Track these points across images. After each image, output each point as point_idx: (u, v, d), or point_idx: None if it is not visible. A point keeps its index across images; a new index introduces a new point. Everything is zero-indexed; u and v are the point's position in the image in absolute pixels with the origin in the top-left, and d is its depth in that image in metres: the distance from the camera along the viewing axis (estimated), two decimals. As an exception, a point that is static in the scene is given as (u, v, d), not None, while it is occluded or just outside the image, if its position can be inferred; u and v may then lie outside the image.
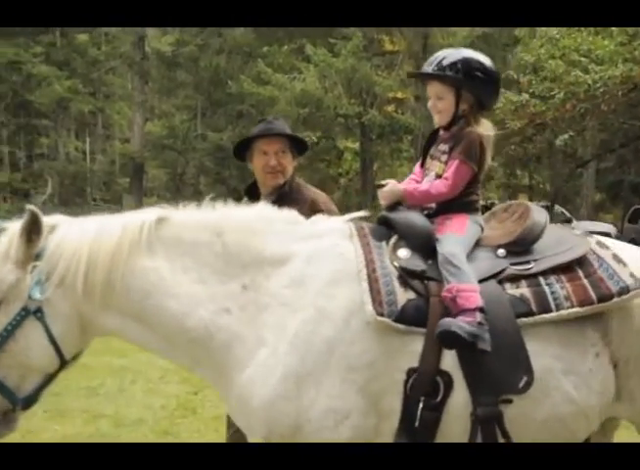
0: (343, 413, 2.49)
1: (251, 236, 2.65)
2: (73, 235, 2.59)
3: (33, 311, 2.55)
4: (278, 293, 2.57)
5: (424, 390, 2.50)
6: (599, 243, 2.82)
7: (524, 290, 2.64)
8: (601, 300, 2.63)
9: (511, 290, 2.65)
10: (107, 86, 32.35)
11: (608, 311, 2.65)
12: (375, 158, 30.63)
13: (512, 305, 2.61)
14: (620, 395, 2.70)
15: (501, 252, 2.75)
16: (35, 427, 5.63)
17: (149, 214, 2.65)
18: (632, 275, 2.68)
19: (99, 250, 2.56)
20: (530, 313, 2.60)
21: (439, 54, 2.91)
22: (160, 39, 28.50)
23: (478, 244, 2.80)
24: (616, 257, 2.74)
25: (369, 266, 2.59)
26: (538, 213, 2.87)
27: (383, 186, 2.93)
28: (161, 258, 2.60)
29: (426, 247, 2.69)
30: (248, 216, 2.71)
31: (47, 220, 2.60)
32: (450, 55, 2.87)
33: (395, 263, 2.63)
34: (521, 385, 2.55)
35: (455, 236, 2.75)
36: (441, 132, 2.97)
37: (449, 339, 2.48)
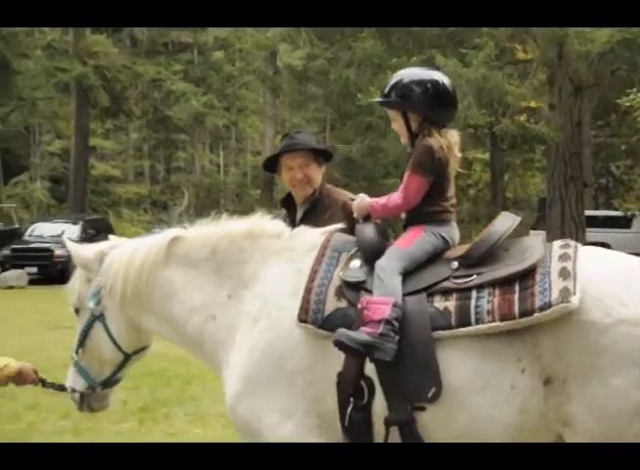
0: (287, 413, 2.78)
1: (237, 253, 3.07)
2: (117, 255, 3.21)
3: (98, 316, 3.24)
4: (248, 303, 2.94)
5: (348, 392, 2.70)
6: (563, 255, 2.66)
7: (449, 303, 2.69)
8: (522, 315, 2.56)
9: (437, 303, 2.71)
10: (240, 101, 33.48)
11: (538, 326, 2.54)
12: (505, 168, 30.06)
13: (431, 317, 2.68)
14: (560, 416, 2.53)
15: (454, 264, 2.80)
16: (178, 429, 5.92)
17: (169, 234, 3.18)
18: (564, 290, 2.53)
19: (131, 266, 3.14)
20: (448, 327, 2.65)
21: (390, 78, 3.06)
22: (290, 54, 29.26)
23: (439, 256, 2.87)
24: (564, 271, 2.59)
25: (310, 278, 2.86)
26: (501, 223, 2.86)
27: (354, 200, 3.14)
28: (175, 271, 3.13)
29: (373, 259, 2.84)
30: (238, 234, 3.11)
31: (108, 243, 3.36)
32: (393, 78, 3.02)
33: (340, 274, 2.84)
34: (429, 395, 2.63)
35: (395, 249, 2.88)
36: (409, 149, 3.09)
37: (340, 347, 2.67)
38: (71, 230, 21.44)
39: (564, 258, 2.64)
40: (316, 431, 2.78)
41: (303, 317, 2.77)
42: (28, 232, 21.97)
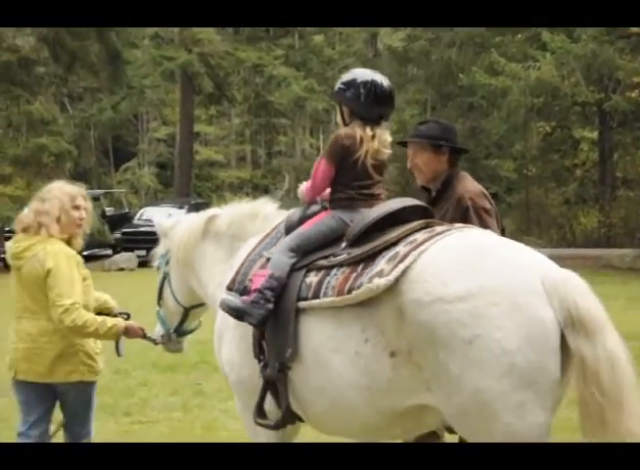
0: (232, 363, 3.37)
1: (240, 230, 3.68)
2: (180, 227, 3.92)
3: (166, 274, 3.98)
4: (228, 272, 3.48)
5: (256, 351, 3.22)
6: (413, 240, 2.88)
7: (315, 278, 3.07)
8: (348, 292, 2.89)
9: (309, 278, 3.10)
10: (340, 84, 33.49)
11: (382, 303, 2.80)
12: (615, 147, 28.83)
13: (299, 290, 3.08)
14: (421, 382, 2.75)
15: (343, 244, 3.13)
16: (215, 425, 5.80)
17: (207, 213, 3.85)
18: (379, 272, 2.81)
19: (182, 237, 3.82)
20: (305, 299, 3.06)
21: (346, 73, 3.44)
22: (391, 36, 28.99)
23: (342, 237, 3.17)
24: (396, 254, 2.83)
25: (248, 254, 3.42)
26: (381, 207, 3.14)
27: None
28: (207, 244, 3.76)
29: None
30: (245, 215, 3.71)
31: (181, 217, 4.12)
32: (348, 74, 3.40)
33: (267, 251, 3.36)
34: (287, 355, 3.07)
35: (297, 231, 3.29)
36: None
37: (222, 310, 3.28)
38: (178, 214, 22.01)
39: (412, 242, 2.87)
40: (248, 380, 3.29)
41: (230, 286, 3.35)
42: (138, 216, 22.74)
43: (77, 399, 3.88)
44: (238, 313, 3.17)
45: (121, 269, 19.19)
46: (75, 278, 3.75)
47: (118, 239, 21.29)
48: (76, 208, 3.89)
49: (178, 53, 25.81)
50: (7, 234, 20.52)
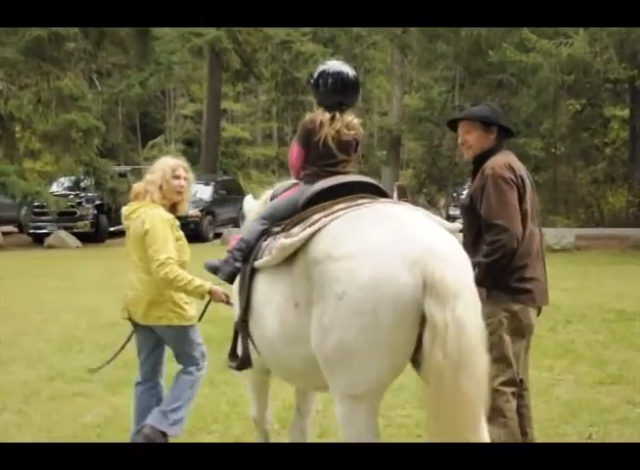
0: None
1: (253, 212, 4.15)
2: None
3: None
4: None
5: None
6: (335, 210, 3.23)
7: (266, 242, 3.56)
8: (271, 253, 3.40)
9: (265, 242, 3.58)
10: (368, 61, 33.20)
11: (297, 261, 3.17)
12: (646, 126, 28.35)
13: (257, 252, 3.56)
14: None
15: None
16: (241, 401, 5.66)
17: (266, 193, 4.18)
18: (288, 235, 3.32)
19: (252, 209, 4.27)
20: (254, 259, 3.54)
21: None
22: (419, 11, 28.64)
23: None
24: (307, 220, 3.29)
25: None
26: (328, 181, 3.56)
27: None
28: (254, 214, 4.04)
29: None
30: (265, 196, 4.15)
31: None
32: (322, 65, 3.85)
33: None
34: (241, 311, 3.59)
35: (272, 202, 3.88)
36: None
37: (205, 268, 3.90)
38: (204, 191, 22.14)
39: (333, 211, 3.22)
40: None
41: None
42: (164, 193, 22.82)
43: (173, 341, 4.50)
44: (212, 270, 3.81)
45: (149, 245, 19.31)
46: (169, 237, 4.35)
47: (145, 215, 21.39)
48: (177, 177, 4.50)
49: (206, 29, 25.72)
50: (36, 209, 20.78)
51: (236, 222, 23.05)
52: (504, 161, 3.90)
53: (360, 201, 3.30)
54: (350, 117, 3.70)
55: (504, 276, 3.78)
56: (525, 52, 18.04)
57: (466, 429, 2.79)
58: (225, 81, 30.49)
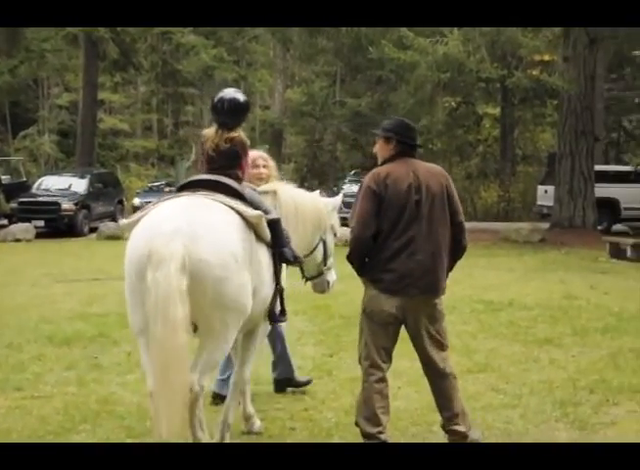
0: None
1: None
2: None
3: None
4: None
5: None
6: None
7: None
8: None
9: None
10: (250, 54, 33.04)
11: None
12: (515, 124, 29.67)
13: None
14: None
15: None
16: (112, 399, 5.52)
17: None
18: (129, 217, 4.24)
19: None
20: None
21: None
22: (301, 6, 28.72)
23: None
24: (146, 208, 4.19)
25: None
26: (189, 178, 4.52)
27: None
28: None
29: None
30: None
31: None
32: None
33: None
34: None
35: None
36: None
37: None
38: (79, 184, 21.40)
39: (165, 199, 4.21)
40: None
41: None
42: (36, 186, 21.88)
43: None
44: None
45: (18, 240, 18.45)
46: None
47: (15, 209, 20.44)
48: (256, 166, 5.15)
49: (80, 16, 24.80)
50: None
51: (113, 216, 22.45)
52: (373, 171, 4.44)
53: (186, 193, 4.23)
54: (235, 134, 4.47)
55: (367, 269, 4.36)
56: (404, 49, 18.43)
57: (167, 370, 3.57)
58: (102, 71, 29.50)
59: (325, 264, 5.14)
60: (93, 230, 20.16)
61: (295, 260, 4.57)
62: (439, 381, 4.37)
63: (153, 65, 29.53)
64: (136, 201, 26.75)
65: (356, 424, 4.34)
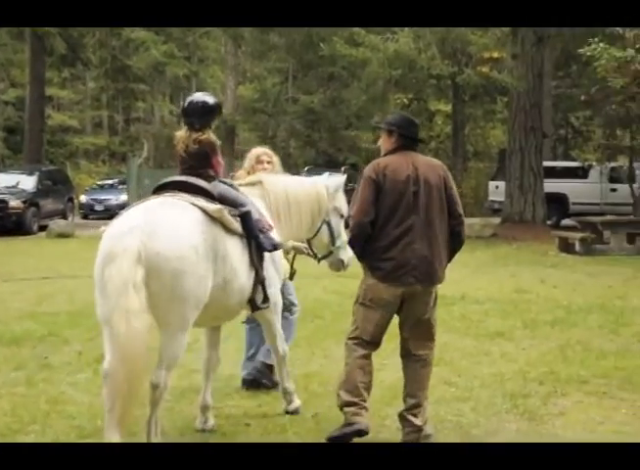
0: None
1: None
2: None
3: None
4: None
5: None
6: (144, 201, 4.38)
7: None
8: None
9: None
10: (201, 50, 32.80)
11: None
12: (467, 120, 30.01)
13: None
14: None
15: None
16: (62, 399, 5.46)
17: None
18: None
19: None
20: None
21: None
22: (252, 2, 28.57)
23: None
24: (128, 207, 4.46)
25: None
26: (165, 180, 4.63)
27: None
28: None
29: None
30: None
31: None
32: None
33: None
34: None
35: None
36: None
37: None
38: (27, 181, 20.96)
39: (140, 202, 4.38)
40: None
41: None
42: (-18, 183, 21.40)
43: None
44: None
45: (-36, 239, 18.03)
46: None
47: (-40, 207, 19.93)
48: (260, 162, 5.52)
49: (26, 10, 24.30)
50: None
51: (63, 214, 22.07)
52: (372, 163, 4.60)
53: (166, 194, 4.41)
54: (203, 135, 4.64)
55: (366, 256, 4.51)
56: (355, 46, 18.48)
57: (126, 362, 3.72)
58: (50, 66, 28.98)
59: (333, 245, 5.23)
60: (43, 228, 19.79)
61: (274, 249, 4.66)
62: (419, 368, 4.52)
63: (102, 60, 29.05)
64: (82, 198, 26.35)
65: (338, 399, 4.43)
